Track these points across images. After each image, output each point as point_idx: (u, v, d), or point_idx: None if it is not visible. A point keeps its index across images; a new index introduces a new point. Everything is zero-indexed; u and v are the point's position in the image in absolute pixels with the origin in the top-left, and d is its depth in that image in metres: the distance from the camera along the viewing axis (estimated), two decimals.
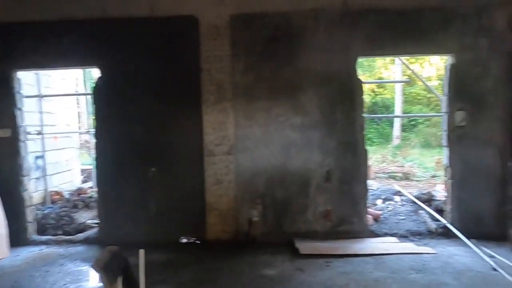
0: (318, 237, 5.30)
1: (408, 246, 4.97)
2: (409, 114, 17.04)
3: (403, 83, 16.50)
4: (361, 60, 17.88)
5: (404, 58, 9.00)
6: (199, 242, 5.37)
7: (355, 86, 5.32)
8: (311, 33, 5.27)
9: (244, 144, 5.39)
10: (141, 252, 2.76)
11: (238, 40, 5.32)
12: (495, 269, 4.18)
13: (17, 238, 5.32)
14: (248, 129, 5.38)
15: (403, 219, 5.92)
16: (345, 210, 5.37)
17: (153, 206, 5.38)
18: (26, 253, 5.19)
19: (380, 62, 19.29)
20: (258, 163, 5.39)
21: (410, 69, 8.27)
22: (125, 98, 5.38)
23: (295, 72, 5.33)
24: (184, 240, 5.40)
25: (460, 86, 5.24)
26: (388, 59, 18.33)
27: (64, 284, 4.19)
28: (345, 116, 5.33)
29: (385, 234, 5.39)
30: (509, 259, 4.42)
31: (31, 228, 5.64)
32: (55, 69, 6.65)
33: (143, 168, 5.37)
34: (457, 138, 5.28)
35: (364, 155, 5.37)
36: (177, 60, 5.37)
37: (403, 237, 5.34)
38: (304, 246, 4.94)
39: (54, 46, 5.33)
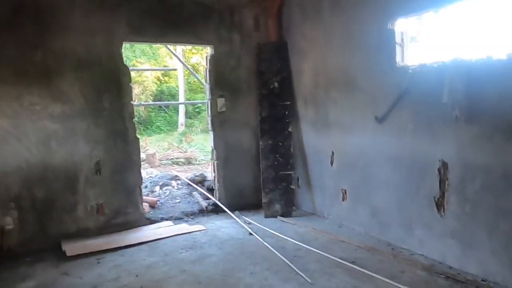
0: (91, 234, 4.95)
1: (182, 227, 5.22)
2: (188, 101, 17.87)
3: (187, 72, 17.23)
4: (144, 48, 17.56)
5: (181, 48, 9.29)
6: None
7: (121, 73, 5.13)
8: (65, 11, 4.75)
9: None
10: None
11: None
12: (251, 234, 4.87)
13: None
14: None
15: (179, 202, 6.20)
16: (119, 201, 5.18)
17: None
18: None
19: (164, 50, 19.55)
20: (9, 161, 4.56)
21: (176, 56, 8.68)
22: None
23: (50, 54, 4.71)
24: None
25: (219, 75, 5.79)
26: (171, 47, 18.79)
27: None
28: (113, 104, 5.09)
29: (162, 219, 5.51)
30: (262, 223, 5.25)
31: None
32: None
33: None
34: (219, 123, 5.84)
35: (135, 143, 5.28)
36: None
37: (178, 219, 5.59)
38: (72, 247, 4.52)
39: None
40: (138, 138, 5.32)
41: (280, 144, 5.71)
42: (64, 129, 4.83)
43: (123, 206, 5.20)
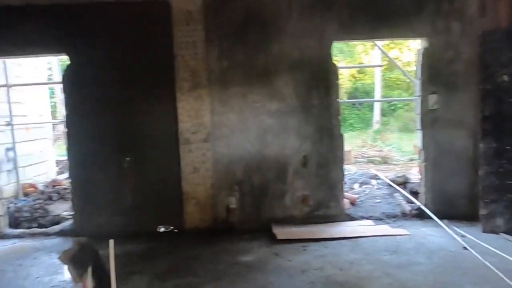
0: (295, 222, 5.34)
1: (383, 228, 5.06)
2: (387, 98, 17.16)
3: (383, 68, 16.60)
4: (341, 46, 17.78)
5: (381, 43, 8.97)
6: (177, 231, 5.34)
7: (330, 71, 5.32)
8: (284, 17, 5.23)
9: (221, 131, 5.35)
10: (111, 242, 2.71)
11: (211, 25, 5.23)
12: (465, 248, 4.30)
13: None
14: (224, 116, 5.33)
15: (379, 202, 6.02)
16: (322, 194, 5.41)
17: (129, 196, 5.31)
18: None
19: (360, 47, 19.36)
20: (235, 150, 5.36)
21: (384, 53, 8.24)
22: (96, 86, 5.24)
23: (269, 57, 5.28)
24: (162, 230, 5.36)
25: (432, 69, 5.30)
26: (368, 44, 18.44)
27: (37, 277, 4.12)
28: (321, 101, 5.33)
29: (362, 217, 5.47)
30: (479, 238, 4.55)
31: (3, 221, 5.50)
32: (21, 57, 6.32)
33: (117, 158, 5.28)
34: (430, 121, 5.36)
35: (340, 140, 5.40)
36: (149, 46, 5.24)
37: (378, 219, 5.43)
38: (281, 232, 4.97)
39: (19, 32, 5.11)
40: (342, 135, 5.42)
41: (508, 147, 4.82)
42: (278, 124, 5.34)
43: (325, 200, 5.41)
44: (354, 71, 20.09)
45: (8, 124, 6.84)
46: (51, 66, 11.47)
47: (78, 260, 2.58)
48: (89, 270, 2.64)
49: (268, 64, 5.30)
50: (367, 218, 5.46)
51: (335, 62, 5.41)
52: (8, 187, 6.73)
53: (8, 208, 5.92)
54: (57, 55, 7.03)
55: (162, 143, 5.35)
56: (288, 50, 5.28)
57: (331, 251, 4.44)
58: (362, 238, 4.77)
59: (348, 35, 5.33)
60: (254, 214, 5.40)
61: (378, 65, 13.75)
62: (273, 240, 4.84)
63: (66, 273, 4.18)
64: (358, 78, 21.11)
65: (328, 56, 5.29)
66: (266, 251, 4.56)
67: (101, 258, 2.85)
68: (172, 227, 5.37)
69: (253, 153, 5.36)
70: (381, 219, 5.44)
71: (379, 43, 8.69)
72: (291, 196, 5.40)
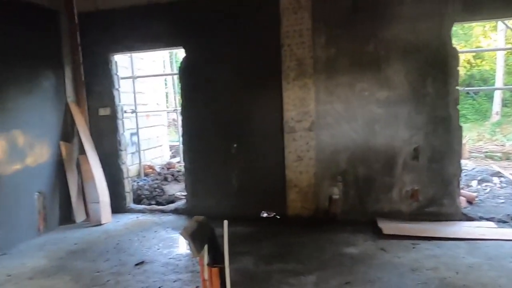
0: (403, 217, 5.06)
1: (509, 232, 4.49)
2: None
3: (506, 53, 14.60)
4: (455, 28, 16.21)
5: (509, 23, 7.90)
6: (279, 217, 5.46)
7: (449, 56, 4.85)
8: (397, 1, 4.88)
9: (325, 120, 5.27)
10: (225, 222, 2.87)
11: (318, 12, 5.14)
12: None
13: (116, 206, 5.95)
14: (329, 104, 5.24)
15: (503, 202, 5.37)
16: (434, 190, 5.01)
17: (235, 181, 5.58)
18: (125, 219, 5.78)
19: (478, 29, 17.29)
20: (339, 139, 5.25)
21: None
22: (208, 76, 5.57)
23: (380, 43, 5.01)
24: (265, 215, 5.53)
25: None
26: (488, 25, 16.36)
27: (158, 249, 4.59)
28: (437, 90, 4.90)
29: (481, 218, 4.94)
30: None
31: (129, 197, 6.25)
32: (145, 51, 7.04)
33: (226, 144, 5.57)
34: None
35: (458, 132, 4.92)
36: (257, 36, 5.38)
37: (502, 222, 4.85)
38: (388, 226, 4.75)
39: (143, 30, 5.69)
40: (461, 127, 4.93)
41: None
42: (387, 114, 5.07)
43: (438, 196, 5.00)
44: (469, 56, 18.08)
45: (133, 111, 7.71)
46: (164, 59, 12.57)
47: (196, 237, 2.80)
48: (206, 246, 2.85)
49: (378, 50, 5.03)
50: (488, 219, 4.90)
51: (455, 46, 4.90)
52: (132, 167, 7.62)
53: (132, 186, 6.69)
54: (175, 49, 7.62)
55: (267, 130, 5.48)
56: (401, 35, 4.94)
57: (445, 251, 4.10)
58: (482, 241, 4.30)
59: (472, 15, 4.77)
60: (358, 206, 5.24)
61: (506, 48, 12.00)
62: (378, 234, 4.65)
63: (181, 247, 4.60)
64: (474, 64, 18.94)
65: (448, 40, 4.82)
66: (372, 245, 4.40)
67: (216, 236, 3.05)
68: (274, 213, 5.50)
69: (359, 143, 5.18)
70: (505, 222, 4.84)
71: (508, 23, 7.65)
72: (399, 190, 5.11)
